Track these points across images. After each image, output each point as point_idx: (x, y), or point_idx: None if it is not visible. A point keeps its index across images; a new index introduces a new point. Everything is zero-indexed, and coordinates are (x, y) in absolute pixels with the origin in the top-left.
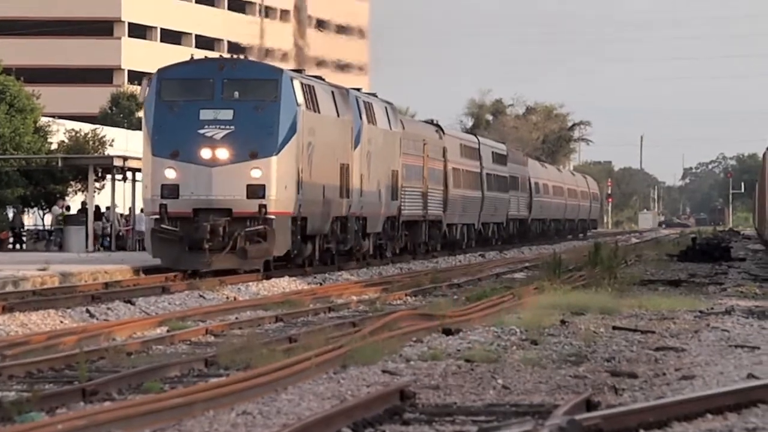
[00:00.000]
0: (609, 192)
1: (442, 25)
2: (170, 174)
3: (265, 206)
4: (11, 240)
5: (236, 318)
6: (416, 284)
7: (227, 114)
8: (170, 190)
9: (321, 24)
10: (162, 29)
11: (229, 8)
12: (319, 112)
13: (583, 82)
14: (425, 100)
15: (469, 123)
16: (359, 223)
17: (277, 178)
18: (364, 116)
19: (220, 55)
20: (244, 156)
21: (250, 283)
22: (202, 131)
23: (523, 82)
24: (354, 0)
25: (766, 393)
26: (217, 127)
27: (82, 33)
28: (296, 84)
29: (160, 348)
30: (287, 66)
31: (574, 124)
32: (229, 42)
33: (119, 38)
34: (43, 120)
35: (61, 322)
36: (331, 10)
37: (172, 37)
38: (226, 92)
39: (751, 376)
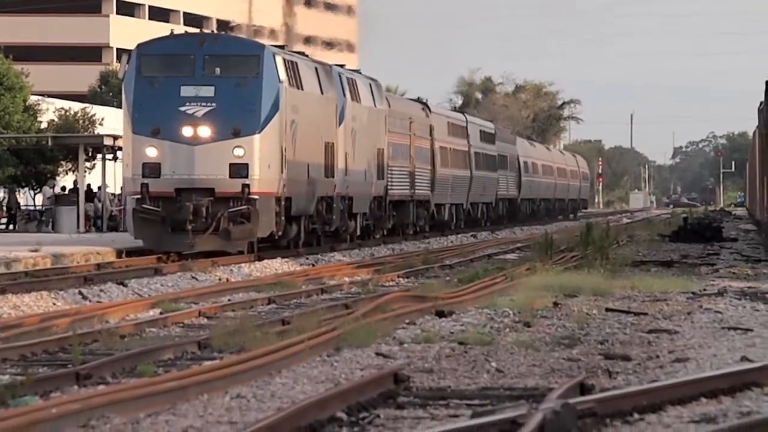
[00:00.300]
0: (600, 171)
1: (430, 2)
2: (151, 152)
3: (248, 186)
4: (4, 220)
5: (229, 300)
6: (408, 265)
7: (208, 91)
8: (151, 169)
9: (309, 1)
10: (150, 6)
11: None
12: (302, 89)
13: (573, 60)
14: (414, 79)
15: (459, 101)
16: (345, 203)
17: (260, 156)
18: (348, 93)
19: (201, 30)
20: (226, 134)
21: (243, 265)
22: (183, 108)
23: (513, 60)
24: None
25: (760, 376)
26: (199, 104)
27: (70, 10)
28: (279, 60)
29: (153, 330)
30: (275, 43)
31: (563, 103)
32: (217, 20)
33: (107, 16)
34: (33, 99)
35: (54, 304)
36: None
37: (160, 14)
38: (207, 68)
39: (744, 358)
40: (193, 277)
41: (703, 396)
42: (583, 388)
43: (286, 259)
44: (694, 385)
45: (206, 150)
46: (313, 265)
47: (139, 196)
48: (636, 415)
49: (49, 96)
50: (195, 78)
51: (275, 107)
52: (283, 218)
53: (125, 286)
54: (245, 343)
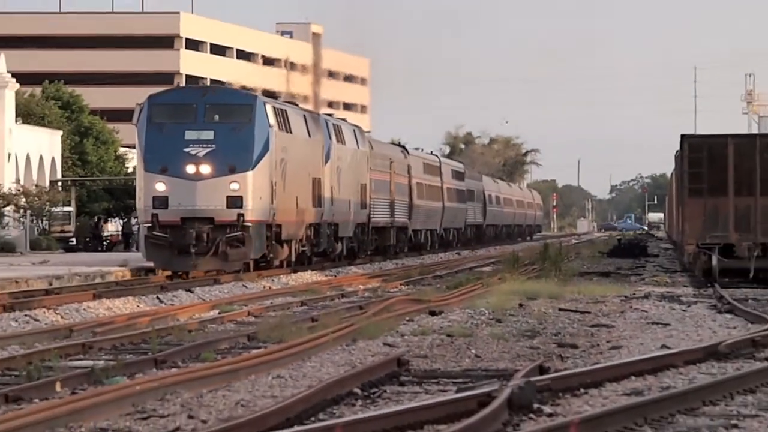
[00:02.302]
0: (554, 204)
1: (426, 75)
2: (160, 187)
3: (242, 215)
4: (120, 240)
5: (271, 303)
6: (408, 276)
7: (209, 134)
8: (160, 201)
9: (332, 74)
10: (211, 80)
11: (264, 63)
12: (291, 133)
13: (536, 118)
14: (413, 133)
15: (447, 150)
16: (331, 229)
17: (252, 190)
18: (333, 137)
19: (203, 84)
20: (223, 171)
21: (281, 276)
22: (187, 149)
23: (489, 118)
24: (357, 56)
25: (675, 359)
26: (200, 145)
27: (151, 82)
28: (269, 108)
29: (213, 326)
30: (306, 106)
31: (527, 151)
32: (263, 89)
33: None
34: (121, 150)
35: (138, 306)
36: (340, 63)
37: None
38: (207, 115)
39: (664, 346)
40: (243, 286)
41: (632, 375)
42: (542, 369)
43: (315, 272)
44: (626, 366)
45: (207, 185)
46: (335, 276)
47: (150, 225)
48: (582, 390)
49: (134, 148)
50: (197, 123)
51: (266, 148)
52: (274, 242)
53: (192, 292)
54: (283, 336)
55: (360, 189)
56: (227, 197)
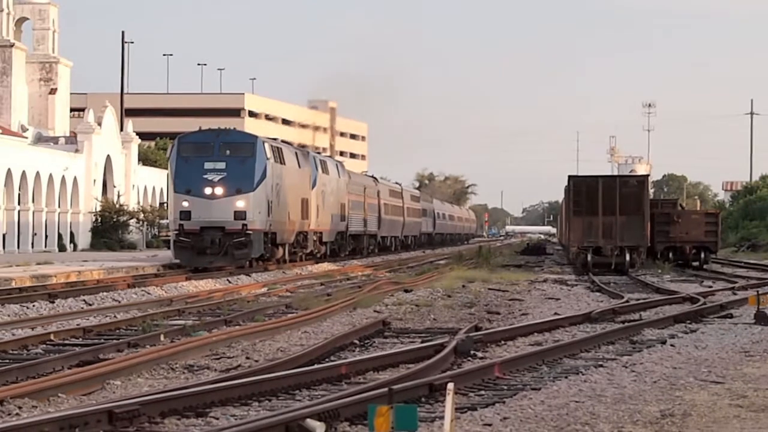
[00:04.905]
0: (486, 219)
1: (405, 134)
2: (185, 204)
3: (246, 225)
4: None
5: (301, 283)
6: (390, 266)
7: (222, 165)
8: (185, 215)
9: (342, 134)
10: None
11: (299, 127)
12: (284, 164)
13: (477, 164)
14: (396, 172)
15: (417, 184)
16: (317, 235)
17: (253, 206)
18: (320, 169)
19: (218, 127)
20: (232, 192)
21: (307, 266)
22: (205, 176)
23: (444, 163)
24: (360, 122)
25: (563, 322)
26: (215, 173)
27: None
28: (266, 146)
29: (263, 299)
30: (326, 154)
31: (469, 185)
32: (298, 143)
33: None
34: None
35: (214, 285)
36: (348, 126)
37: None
38: (221, 151)
39: (556, 313)
40: (283, 272)
41: (535, 332)
42: (477, 328)
43: (330, 263)
44: (531, 326)
45: (219, 202)
46: (343, 266)
47: (177, 232)
48: (503, 342)
49: None
50: (213, 156)
51: (264, 175)
52: (270, 245)
53: (249, 276)
54: (309, 305)
55: (340, 207)
56: (234, 212)
